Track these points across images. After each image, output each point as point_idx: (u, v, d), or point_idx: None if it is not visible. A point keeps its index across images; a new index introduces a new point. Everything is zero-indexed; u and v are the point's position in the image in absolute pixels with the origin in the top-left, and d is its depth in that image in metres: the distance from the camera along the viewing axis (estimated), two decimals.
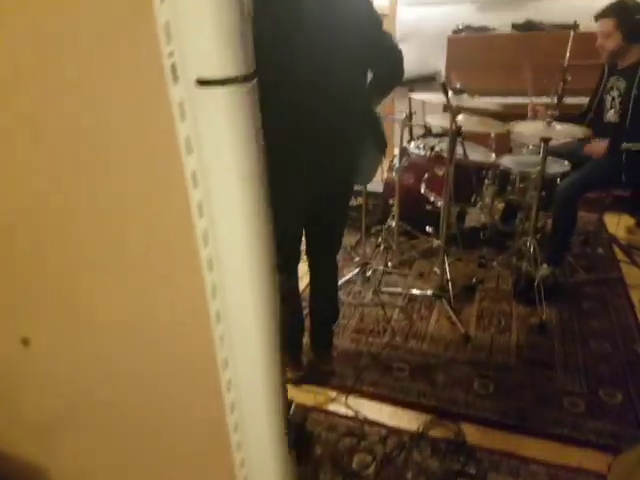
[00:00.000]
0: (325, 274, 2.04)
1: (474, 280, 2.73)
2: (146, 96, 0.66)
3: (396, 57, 1.68)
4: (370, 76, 1.73)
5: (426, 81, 4.05)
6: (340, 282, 2.72)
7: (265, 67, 1.45)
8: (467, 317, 2.47)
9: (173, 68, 0.61)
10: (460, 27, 3.81)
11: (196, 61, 0.59)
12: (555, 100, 2.43)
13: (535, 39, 3.53)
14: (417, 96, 2.77)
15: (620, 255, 2.96)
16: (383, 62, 1.68)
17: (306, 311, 2.10)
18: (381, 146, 1.86)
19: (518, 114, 3.25)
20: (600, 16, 2.43)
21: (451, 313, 2.44)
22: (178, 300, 0.84)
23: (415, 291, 2.65)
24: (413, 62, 4.19)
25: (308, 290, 2.11)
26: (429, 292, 2.60)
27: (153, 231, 0.79)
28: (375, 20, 1.62)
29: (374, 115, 1.81)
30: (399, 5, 4.06)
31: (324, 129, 1.59)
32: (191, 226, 0.73)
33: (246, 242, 0.72)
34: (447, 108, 2.36)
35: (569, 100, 2.59)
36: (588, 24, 2.73)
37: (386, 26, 4.25)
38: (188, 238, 0.74)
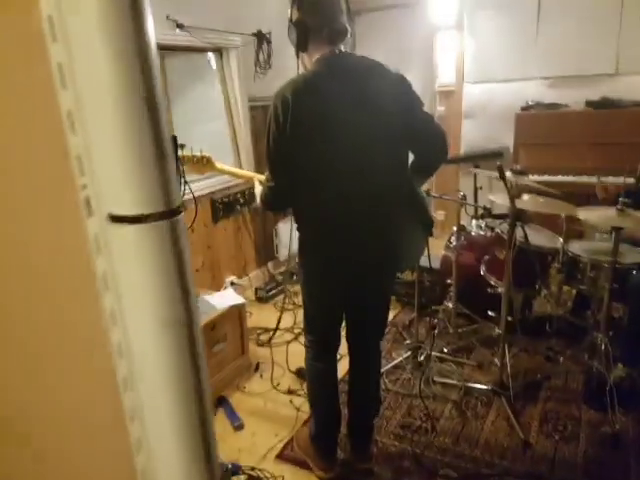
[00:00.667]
0: (366, 363, 1.93)
1: (539, 376, 2.47)
2: (64, 229, 0.64)
3: (437, 138, 1.63)
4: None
5: (493, 157, 3.95)
6: (387, 366, 2.57)
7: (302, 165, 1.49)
8: (528, 419, 2.21)
9: (87, 201, 0.59)
10: (530, 103, 3.72)
11: (108, 196, 0.57)
12: (631, 181, 2.23)
13: (611, 117, 3.34)
14: (480, 172, 2.67)
15: None
16: (424, 144, 1.64)
17: (344, 398, 1.98)
18: (426, 227, 1.79)
19: (591, 194, 3.07)
20: None
21: (510, 414, 2.19)
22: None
23: (472, 384, 2.42)
24: (479, 138, 4.15)
25: (347, 378, 2.00)
26: (487, 387, 2.37)
27: (71, 374, 0.75)
28: (412, 103, 1.59)
29: (417, 196, 1.75)
30: (465, 83, 4.06)
31: (362, 218, 1.57)
32: (111, 369, 0.68)
33: (168, 396, 0.65)
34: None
35: None
36: None
37: (451, 104, 4.28)
38: (108, 382, 0.69)
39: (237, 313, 2.51)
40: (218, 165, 2.01)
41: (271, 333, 2.94)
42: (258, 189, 1.85)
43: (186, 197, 1.38)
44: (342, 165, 1.52)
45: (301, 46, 1.54)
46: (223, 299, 2.48)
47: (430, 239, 1.90)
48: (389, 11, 4.33)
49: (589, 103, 3.49)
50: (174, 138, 2.01)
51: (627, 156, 2.63)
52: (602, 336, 2.22)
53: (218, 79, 3.31)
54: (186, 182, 1.44)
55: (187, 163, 1.96)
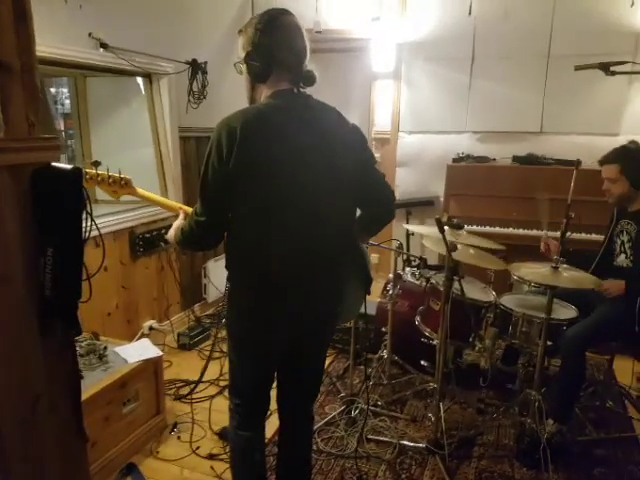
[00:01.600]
0: (299, 427, 1.75)
1: (472, 432, 2.41)
2: None
3: (388, 200, 1.56)
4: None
5: (424, 205, 4.02)
6: (320, 423, 2.39)
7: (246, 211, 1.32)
8: (463, 479, 2.12)
9: None
10: (461, 155, 3.83)
11: None
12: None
13: (536, 172, 3.52)
14: (412, 228, 2.65)
15: (633, 412, 2.65)
16: (375, 205, 1.56)
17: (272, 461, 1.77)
18: (366, 282, 1.68)
19: (521, 246, 3.17)
20: (604, 162, 2.37)
21: (445, 475, 2.09)
22: None
23: (406, 442, 2.31)
24: (412, 186, 4.22)
25: (277, 439, 1.80)
26: (422, 445, 2.26)
27: None
28: (369, 160, 1.51)
29: (359, 250, 1.64)
30: (401, 132, 4.14)
31: (306, 274, 1.43)
32: None
33: None
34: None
35: (574, 236, 2.47)
36: (589, 161, 2.69)
37: (386, 151, 4.34)
38: None
39: (152, 367, 2.22)
40: (139, 190, 1.80)
41: (192, 386, 2.66)
42: (178, 222, 1.64)
43: (93, 233, 1.16)
44: (288, 213, 1.36)
45: (261, 76, 1.38)
46: (137, 351, 2.19)
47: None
48: (331, 55, 4.36)
49: (516, 158, 3.66)
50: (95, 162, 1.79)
51: (555, 211, 2.74)
52: (535, 393, 2.20)
53: (146, 106, 3.09)
54: (92, 217, 1.20)
55: (101, 183, 1.73)
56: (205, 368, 2.69)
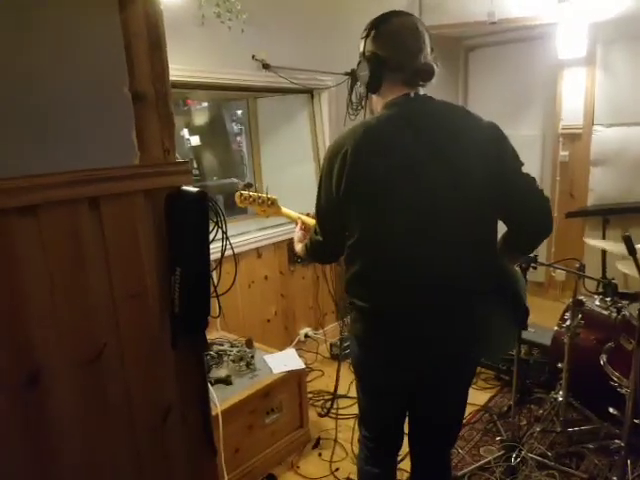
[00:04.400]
0: (428, 476, 1.54)
1: None
2: None
3: (539, 209, 1.26)
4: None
5: (628, 212, 3.29)
6: (471, 467, 2.11)
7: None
8: None
9: None
10: None
11: None
12: None
13: None
14: (594, 243, 2.16)
15: None
16: (520, 217, 1.28)
17: None
18: (519, 315, 1.39)
19: None
20: None
21: None
22: None
23: None
24: (611, 189, 3.50)
25: None
26: None
27: None
28: (506, 163, 1.24)
29: (508, 277, 1.37)
30: (596, 126, 3.48)
31: (430, 305, 1.24)
32: None
33: None
34: None
35: None
36: None
37: (577, 149, 3.71)
38: None
39: (296, 379, 2.23)
40: (283, 209, 1.84)
41: (337, 402, 2.60)
42: (297, 234, 1.65)
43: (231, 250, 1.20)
44: (407, 237, 1.21)
45: (372, 86, 1.28)
46: (282, 361, 2.23)
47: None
48: (506, 46, 3.94)
49: None
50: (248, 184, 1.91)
51: None
52: None
53: (308, 121, 3.17)
54: (227, 237, 1.21)
55: (252, 204, 1.85)
56: (336, 383, 2.58)
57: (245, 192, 1.83)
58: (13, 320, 0.92)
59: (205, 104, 3.46)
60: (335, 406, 2.57)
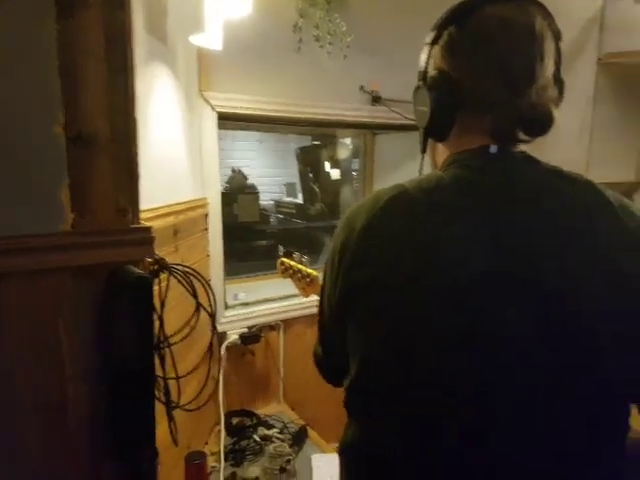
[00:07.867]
0: None
1: None
2: None
3: None
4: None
5: None
6: None
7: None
8: None
9: None
10: None
11: None
12: None
13: None
14: None
15: None
16: None
17: None
18: None
19: None
20: None
21: None
22: None
23: None
24: None
25: None
26: None
27: None
28: None
29: None
30: None
31: None
32: None
33: None
34: None
35: None
36: None
37: None
38: None
39: None
40: None
41: None
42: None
43: None
44: (459, 402, 0.65)
45: (435, 130, 0.78)
46: (331, 469, 1.69)
47: None
48: None
49: None
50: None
51: None
52: None
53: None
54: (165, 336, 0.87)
55: (292, 276, 1.42)
56: None
57: (286, 261, 1.42)
58: None
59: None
60: None
